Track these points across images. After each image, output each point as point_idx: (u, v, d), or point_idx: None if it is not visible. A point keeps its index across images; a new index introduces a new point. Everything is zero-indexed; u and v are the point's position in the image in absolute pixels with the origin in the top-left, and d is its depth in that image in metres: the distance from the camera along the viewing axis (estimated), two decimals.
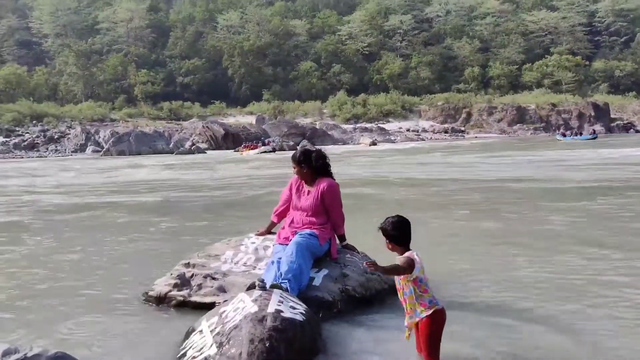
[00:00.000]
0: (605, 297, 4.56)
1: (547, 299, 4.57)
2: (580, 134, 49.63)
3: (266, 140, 46.05)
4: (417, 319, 3.26)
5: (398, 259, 3.27)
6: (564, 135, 48.28)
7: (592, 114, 64.97)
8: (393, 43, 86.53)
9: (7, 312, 4.60)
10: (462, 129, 65.73)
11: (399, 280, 3.29)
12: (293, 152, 5.38)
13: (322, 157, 4.88)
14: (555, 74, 77.05)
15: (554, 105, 67.54)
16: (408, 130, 63.58)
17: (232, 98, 77.95)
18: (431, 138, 59.09)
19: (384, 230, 3.36)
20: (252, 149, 41.64)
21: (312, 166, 4.83)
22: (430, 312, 3.23)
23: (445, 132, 63.63)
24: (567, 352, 3.51)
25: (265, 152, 39.54)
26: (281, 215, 5.12)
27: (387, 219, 3.40)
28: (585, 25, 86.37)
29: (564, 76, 76.15)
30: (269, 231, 5.20)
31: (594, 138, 44.98)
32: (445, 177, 15.88)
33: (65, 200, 13.31)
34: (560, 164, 19.58)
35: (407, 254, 3.27)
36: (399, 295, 3.37)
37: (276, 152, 40.14)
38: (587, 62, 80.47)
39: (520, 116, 66.92)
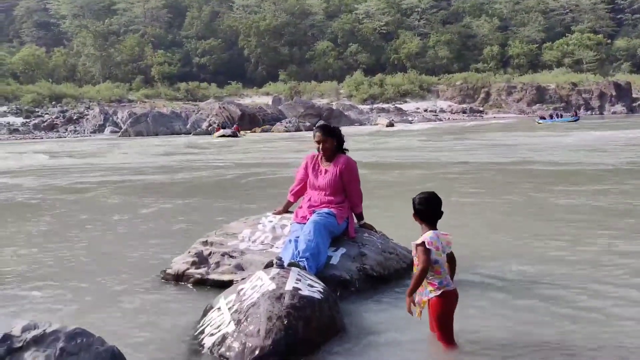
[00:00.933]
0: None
1: (569, 279, 4.50)
2: (561, 116, 47.38)
3: (227, 124, 43.20)
4: (426, 298, 3.22)
5: (412, 246, 3.25)
6: (543, 117, 46.19)
7: (614, 93, 63.81)
8: (411, 22, 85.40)
9: (26, 289, 4.65)
10: (481, 109, 65.00)
11: (415, 257, 3.26)
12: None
13: (338, 134, 4.86)
14: (576, 52, 75.58)
15: (574, 84, 66.39)
16: (426, 110, 63.02)
17: (249, 78, 77.77)
18: (449, 118, 58.53)
19: (413, 203, 3.34)
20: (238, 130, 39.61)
21: (338, 140, 4.80)
22: (439, 292, 3.19)
23: (464, 112, 62.97)
24: (589, 333, 3.46)
25: (224, 135, 37.03)
26: (298, 194, 5.08)
27: (420, 193, 3.37)
28: (607, 2, 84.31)
29: (585, 55, 74.68)
30: (285, 210, 5.17)
31: (576, 120, 43.26)
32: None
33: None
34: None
35: (423, 237, 3.23)
36: (414, 270, 3.33)
37: (239, 136, 37.74)
38: (609, 41, 78.77)
39: (540, 96, 65.93)
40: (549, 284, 4.39)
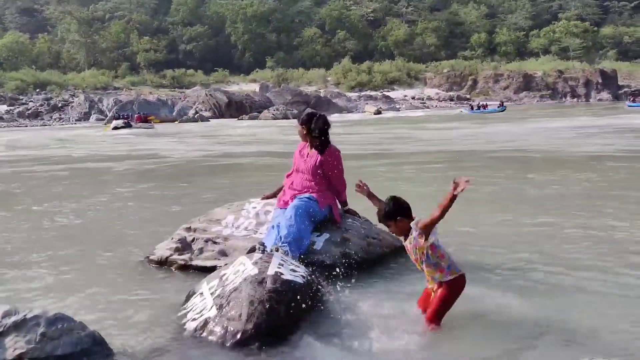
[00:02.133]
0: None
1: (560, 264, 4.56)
2: (486, 106, 45.48)
3: (121, 114, 40.47)
4: (436, 284, 3.27)
5: (420, 221, 3.24)
6: (471, 108, 45.26)
7: (600, 81, 64.21)
8: (398, 8, 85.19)
9: (5, 275, 4.62)
10: (468, 96, 65.12)
11: (415, 250, 3.27)
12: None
13: (322, 122, 4.73)
14: (562, 40, 75.88)
15: (561, 72, 66.70)
16: (413, 98, 63.07)
17: (236, 65, 77.24)
18: (436, 106, 58.64)
19: (388, 214, 3.33)
20: (141, 120, 37.00)
21: (310, 129, 4.71)
22: (451, 277, 3.24)
23: (451, 99, 63.08)
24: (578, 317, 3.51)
25: (117, 127, 33.48)
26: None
27: (382, 206, 3.38)
28: None
29: (571, 42, 75.00)
30: (275, 195, 5.12)
31: (502, 110, 42.11)
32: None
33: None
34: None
35: (414, 224, 3.26)
36: (416, 265, 3.37)
37: (133, 127, 34.45)
38: (596, 28, 79.11)
39: (527, 83, 66.20)
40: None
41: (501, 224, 6.05)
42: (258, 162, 13.66)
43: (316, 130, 4.67)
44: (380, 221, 3.46)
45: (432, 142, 17.46)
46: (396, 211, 3.31)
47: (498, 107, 44.33)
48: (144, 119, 38.85)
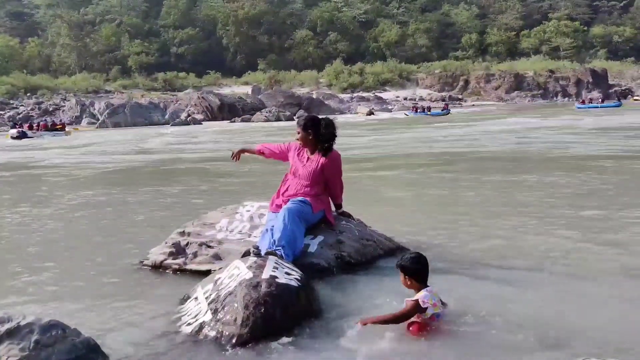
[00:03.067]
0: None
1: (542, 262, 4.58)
2: (429, 108, 45.20)
3: (17, 124, 38.61)
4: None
5: (405, 303, 3.28)
6: (415, 110, 44.79)
7: (590, 80, 64.65)
8: (390, 10, 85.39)
9: None
10: (460, 97, 65.40)
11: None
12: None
13: (332, 127, 4.72)
14: (553, 40, 76.37)
15: (551, 72, 67.11)
16: (405, 99, 63.25)
17: (228, 68, 77.19)
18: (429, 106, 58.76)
19: (402, 266, 3.39)
20: (46, 128, 34.63)
21: (320, 134, 4.68)
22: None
23: (443, 100, 63.28)
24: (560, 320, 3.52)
25: (13, 137, 31.32)
26: (266, 151, 5.06)
27: (404, 255, 3.47)
28: None
29: (562, 42, 75.47)
30: (249, 151, 5.15)
31: (447, 113, 41.61)
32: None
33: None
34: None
35: (418, 296, 3.28)
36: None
37: (31, 136, 32.35)
38: (586, 28, 79.65)
39: (518, 83, 66.55)
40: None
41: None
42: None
43: (327, 136, 4.67)
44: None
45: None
46: (404, 269, 3.39)
47: (442, 110, 44.22)
48: (53, 127, 36.43)
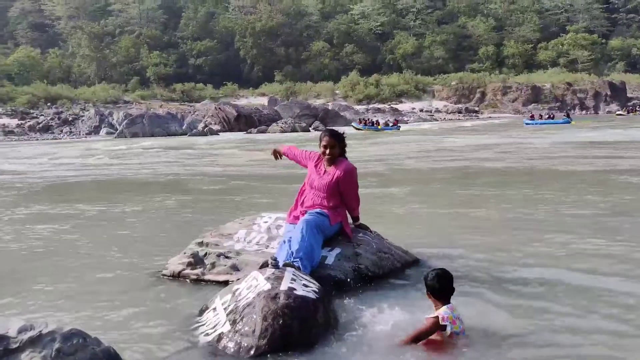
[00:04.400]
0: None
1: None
2: (377, 122, 43.06)
3: None
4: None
5: (425, 320, 3.29)
6: (365, 123, 42.45)
7: (609, 93, 64.08)
8: (406, 22, 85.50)
9: (22, 290, 4.65)
10: (476, 109, 65.14)
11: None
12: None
13: (344, 140, 4.89)
14: (570, 52, 75.85)
15: (569, 84, 66.61)
16: (421, 110, 63.13)
17: (244, 79, 77.77)
18: (444, 118, 58.62)
19: (424, 282, 3.43)
20: None
21: (342, 147, 4.81)
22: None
23: (459, 112, 63.10)
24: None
25: None
26: (290, 153, 5.19)
27: (430, 269, 3.50)
28: (601, 2, 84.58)
29: (579, 55, 74.95)
30: (278, 152, 5.31)
31: (397, 129, 39.63)
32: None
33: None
34: None
35: (437, 312, 3.28)
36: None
37: None
38: (604, 40, 79.06)
39: (535, 96, 66.13)
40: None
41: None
42: None
43: (343, 147, 4.82)
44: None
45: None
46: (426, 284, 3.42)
47: (392, 125, 42.15)
48: None
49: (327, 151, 4.71)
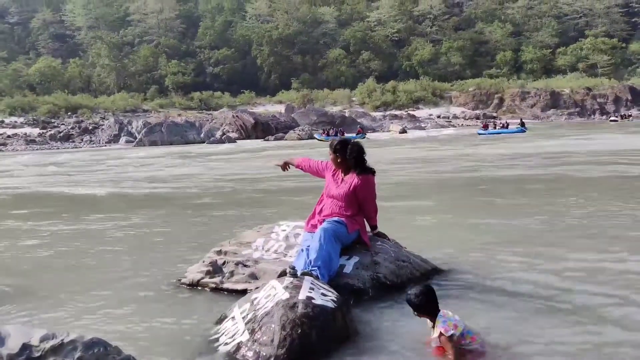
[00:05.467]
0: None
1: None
2: (342, 132, 40.25)
3: None
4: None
5: (441, 342, 3.26)
6: (327, 134, 39.93)
7: (629, 97, 63.24)
8: (423, 28, 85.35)
9: (43, 299, 4.71)
10: (494, 114, 64.66)
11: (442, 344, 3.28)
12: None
13: (356, 151, 4.72)
14: (590, 57, 74.97)
15: (589, 89, 65.85)
16: (439, 117, 62.85)
17: (262, 87, 78.20)
18: (462, 125, 58.27)
19: (409, 301, 3.39)
20: None
21: (346, 158, 4.71)
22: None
23: (477, 118, 62.63)
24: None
25: None
26: (304, 165, 5.15)
27: (409, 289, 3.44)
28: (621, 6, 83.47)
29: (599, 59, 74.04)
30: (286, 163, 5.26)
31: (362, 138, 36.28)
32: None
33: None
34: None
35: (437, 329, 3.26)
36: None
37: None
38: (624, 45, 77.98)
39: (554, 101, 65.50)
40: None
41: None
42: None
43: (353, 160, 4.70)
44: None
45: None
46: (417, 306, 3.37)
47: (358, 133, 39.97)
48: None
49: (332, 161, 4.81)
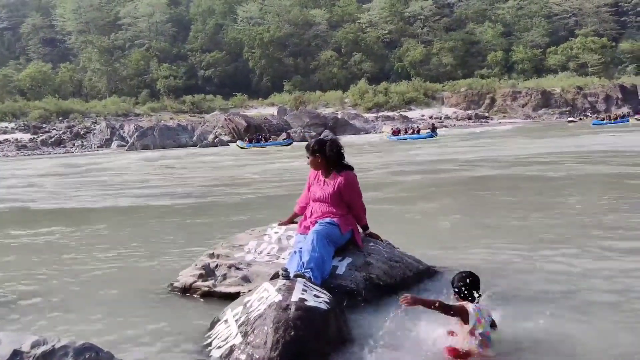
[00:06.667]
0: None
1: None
2: (265, 139, 40.20)
3: None
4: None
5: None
6: (257, 141, 39.11)
7: (620, 96, 63.71)
8: (414, 29, 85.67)
9: (34, 303, 4.69)
10: (486, 115, 64.95)
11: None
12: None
13: (335, 146, 4.70)
14: (580, 56, 75.53)
15: (579, 88, 66.31)
16: (431, 117, 63.04)
17: (254, 90, 78.22)
18: (454, 125, 58.49)
19: (452, 282, 3.50)
20: None
21: (327, 155, 4.68)
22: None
23: (469, 118, 62.95)
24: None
25: None
26: (304, 208, 4.99)
27: (457, 273, 3.55)
28: (610, 5, 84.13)
29: (589, 58, 74.58)
30: (290, 221, 5.14)
31: (289, 144, 37.32)
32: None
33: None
34: None
35: (467, 305, 3.30)
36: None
37: None
38: (614, 44, 78.56)
39: (545, 100, 65.87)
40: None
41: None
42: None
43: (334, 156, 4.67)
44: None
45: None
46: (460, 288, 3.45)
47: (284, 139, 39.67)
48: None
49: (310, 165, 4.78)
